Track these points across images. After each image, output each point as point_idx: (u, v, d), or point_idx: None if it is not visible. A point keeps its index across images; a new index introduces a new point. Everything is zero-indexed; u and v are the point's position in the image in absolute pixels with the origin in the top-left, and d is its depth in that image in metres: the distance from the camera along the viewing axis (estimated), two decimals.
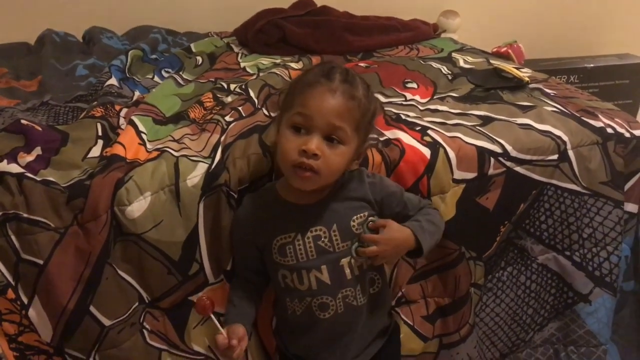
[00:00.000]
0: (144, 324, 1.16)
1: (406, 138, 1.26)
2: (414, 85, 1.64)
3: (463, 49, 2.07)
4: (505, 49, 2.09)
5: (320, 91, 0.99)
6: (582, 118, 1.38)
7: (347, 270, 1.06)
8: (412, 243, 1.07)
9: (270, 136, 1.21)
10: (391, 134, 1.28)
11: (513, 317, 1.39)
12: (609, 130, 1.36)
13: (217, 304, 1.16)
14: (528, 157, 1.29)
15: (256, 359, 1.24)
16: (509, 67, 1.68)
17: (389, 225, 1.06)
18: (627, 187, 1.39)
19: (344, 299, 1.07)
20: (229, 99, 1.51)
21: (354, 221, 1.06)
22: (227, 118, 1.36)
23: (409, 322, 1.29)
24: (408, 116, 1.40)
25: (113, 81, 1.67)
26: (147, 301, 1.16)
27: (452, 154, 1.24)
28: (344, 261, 1.06)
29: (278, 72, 1.73)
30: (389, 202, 1.12)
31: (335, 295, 1.07)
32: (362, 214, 1.08)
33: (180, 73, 1.84)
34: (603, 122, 1.38)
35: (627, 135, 1.37)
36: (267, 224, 1.08)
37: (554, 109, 1.42)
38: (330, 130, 0.98)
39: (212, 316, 1.04)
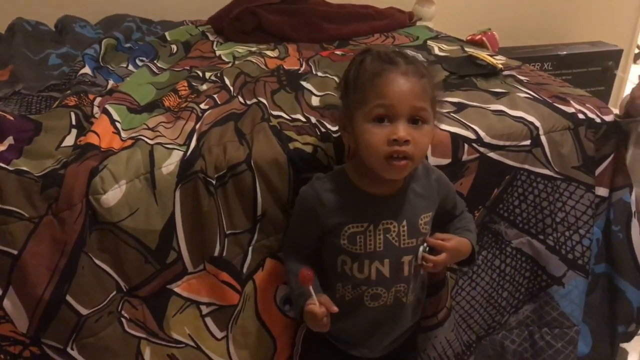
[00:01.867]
0: (122, 312, 1.16)
1: None
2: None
3: (438, 37, 2.08)
4: (479, 36, 2.11)
5: (392, 77, 0.97)
6: (554, 104, 1.40)
7: (406, 268, 1.09)
8: (468, 254, 1.13)
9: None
10: None
11: (489, 300, 1.41)
12: (580, 115, 1.38)
13: (202, 292, 1.19)
14: (501, 142, 1.30)
15: (255, 339, 1.24)
16: (483, 55, 1.70)
17: (452, 237, 1.11)
18: (597, 171, 1.41)
19: (395, 293, 1.10)
20: (204, 87, 1.51)
21: (421, 219, 1.09)
22: (202, 106, 1.35)
23: None
24: None
25: (87, 70, 1.65)
26: (124, 290, 1.15)
27: None
28: (406, 258, 1.08)
29: (254, 60, 1.73)
30: (447, 200, 1.16)
31: (389, 288, 1.09)
32: (428, 214, 1.10)
33: (155, 62, 1.82)
34: (574, 108, 1.40)
35: (598, 120, 1.40)
36: (339, 209, 1.07)
37: (527, 95, 1.44)
38: (413, 113, 0.98)
39: (311, 287, 1.02)
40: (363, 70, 1.01)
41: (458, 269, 1.34)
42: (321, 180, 1.09)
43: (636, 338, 1.62)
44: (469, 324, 1.41)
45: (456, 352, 1.38)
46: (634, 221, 1.47)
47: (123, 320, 1.17)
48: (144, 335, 1.19)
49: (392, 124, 0.97)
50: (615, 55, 2.76)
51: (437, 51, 1.88)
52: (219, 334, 1.21)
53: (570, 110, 1.39)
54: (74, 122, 1.28)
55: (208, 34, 2.15)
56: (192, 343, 1.21)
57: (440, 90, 1.07)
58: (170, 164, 1.14)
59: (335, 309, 1.04)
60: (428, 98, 1.00)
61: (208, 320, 1.21)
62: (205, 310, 1.20)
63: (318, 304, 1.02)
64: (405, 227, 1.07)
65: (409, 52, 1.17)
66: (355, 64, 1.04)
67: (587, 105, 1.43)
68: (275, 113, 1.31)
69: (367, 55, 1.03)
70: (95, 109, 1.37)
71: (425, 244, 1.09)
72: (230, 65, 1.68)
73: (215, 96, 1.40)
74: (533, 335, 1.46)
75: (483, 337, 1.45)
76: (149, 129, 1.27)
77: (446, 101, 1.38)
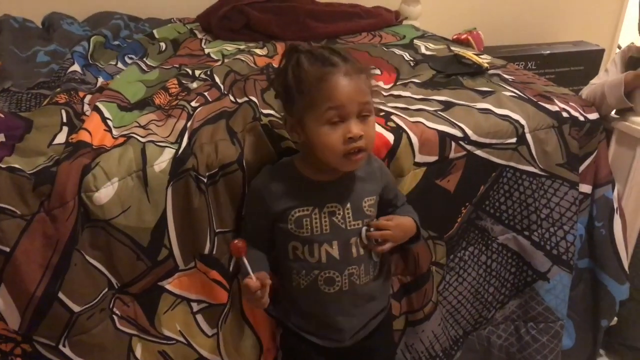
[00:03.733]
0: (114, 309, 1.17)
1: None
2: (378, 71, 1.67)
3: (424, 36, 2.10)
4: (465, 36, 2.14)
5: (336, 80, 1.02)
6: (539, 102, 1.43)
7: (354, 249, 1.13)
8: (413, 231, 1.19)
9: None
10: None
11: (475, 296, 1.43)
12: (565, 114, 1.41)
13: (193, 290, 1.20)
14: (487, 140, 1.33)
15: (242, 338, 1.25)
16: (469, 54, 1.72)
17: (395, 217, 1.17)
18: (581, 168, 1.44)
19: (349, 276, 1.13)
20: (195, 85, 1.51)
21: (365, 202, 1.13)
22: (193, 104, 1.36)
23: None
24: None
25: (76, 67, 1.65)
26: (116, 287, 1.16)
27: (414, 139, 1.27)
28: (353, 240, 1.12)
29: (243, 59, 1.73)
30: (388, 189, 1.20)
31: (342, 271, 1.13)
32: (372, 197, 1.15)
33: (144, 59, 1.82)
34: (559, 107, 1.43)
35: (582, 118, 1.43)
36: (286, 196, 1.11)
37: (512, 94, 1.47)
38: (361, 108, 1.03)
39: (245, 259, 1.05)
40: (304, 74, 1.04)
41: (445, 265, 1.36)
42: (269, 169, 1.15)
43: None
44: (456, 319, 1.44)
45: (443, 346, 1.40)
46: (616, 217, 1.51)
47: (114, 317, 1.17)
48: (135, 332, 1.20)
49: (345, 123, 1.03)
50: (597, 55, 2.80)
51: (423, 50, 1.90)
52: (210, 331, 1.22)
53: (555, 108, 1.42)
54: (64, 120, 1.28)
55: (196, 32, 2.15)
56: (183, 339, 1.22)
57: (373, 78, 1.12)
58: (162, 161, 1.15)
59: (268, 281, 1.08)
60: (369, 91, 1.06)
61: (199, 317, 1.21)
62: (195, 307, 1.21)
63: (254, 279, 1.05)
64: (350, 210, 1.12)
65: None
66: (291, 67, 1.06)
67: (570, 103, 1.46)
68: (265, 112, 1.32)
69: (299, 55, 1.06)
70: (86, 107, 1.37)
71: (367, 226, 1.14)
72: (220, 63, 1.68)
73: (205, 94, 1.40)
74: (519, 330, 1.48)
75: (470, 332, 1.47)
76: (140, 126, 1.27)
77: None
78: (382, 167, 1.21)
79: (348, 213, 1.12)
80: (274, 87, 1.14)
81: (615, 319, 1.64)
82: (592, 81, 1.59)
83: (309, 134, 1.06)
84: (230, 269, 1.20)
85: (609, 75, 1.57)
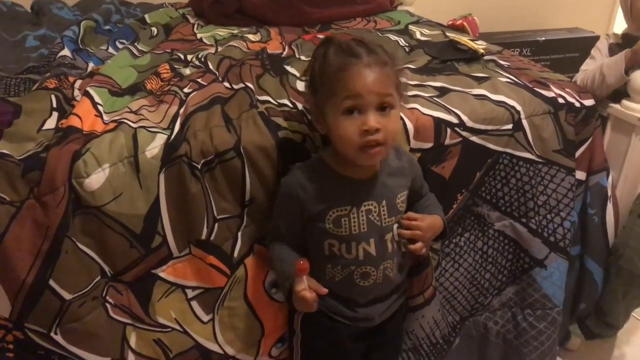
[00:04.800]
0: (107, 297, 1.16)
1: None
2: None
3: (419, 22, 2.08)
4: (460, 21, 2.11)
5: (357, 70, 1.01)
6: (535, 89, 1.42)
7: (389, 245, 1.15)
8: (441, 229, 1.20)
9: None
10: None
11: (472, 282, 1.43)
12: (560, 100, 1.40)
13: (188, 276, 1.20)
14: (483, 127, 1.32)
15: (242, 321, 1.24)
16: (464, 40, 1.71)
17: (424, 215, 1.17)
18: (576, 155, 1.43)
19: (384, 270, 1.15)
20: (187, 70, 1.49)
21: (398, 198, 1.15)
22: (186, 90, 1.34)
23: None
24: None
25: (66, 52, 1.62)
26: (109, 275, 1.15)
27: (410, 125, 1.26)
28: (388, 236, 1.14)
29: (236, 45, 1.71)
30: (416, 181, 1.22)
31: (378, 266, 1.14)
32: (404, 192, 1.17)
33: (136, 44, 1.80)
34: (555, 93, 1.42)
35: (577, 105, 1.42)
36: (323, 195, 1.11)
37: (508, 80, 1.45)
38: (380, 100, 1.02)
39: (305, 277, 1.06)
40: (328, 65, 1.05)
41: (440, 250, 1.35)
42: (301, 169, 1.14)
43: None
44: (453, 305, 1.43)
45: (443, 332, 1.40)
46: (609, 206, 1.50)
47: (108, 305, 1.16)
48: (129, 321, 1.19)
49: (362, 115, 1.02)
50: (592, 42, 2.79)
51: (418, 36, 1.88)
52: (205, 317, 1.22)
53: (551, 94, 1.41)
54: (54, 105, 1.26)
55: (188, 17, 2.12)
56: (178, 327, 1.21)
57: (402, 73, 1.12)
58: (154, 147, 1.13)
59: (324, 290, 1.09)
60: (392, 84, 1.05)
61: (194, 303, 1.21)
62: (190, 293, 1.20)
63: (308, 289, 1.06)
64: (385, 207, 1.13)
65: (372, 37, 1.18)
66: (319, 57, 1.08)
67: (566, 89, 1.45)
68: (262, 98, 1.30)
69: (329, 47, 1.07)
70: (76, 92, 1.35)
71: (398, 223, 1.15)
72: (213, 52, 1.66)
73: (199, 80, 1.39)
74: (516, 317, 1.48)
75: (466, 319, 1.47)
76: (131, 112, 1.25)
77: (410, 84, 1.40)
78: (411, 160, 1.21)
79: (383, 210, 1.13)
80: (306, 80, 1.14)
81: None
82: (582, 68, 1.59)
83: (329, 124, 1.06)
84: (235, 255, 1.19)
85: (596, 61, 1.57)
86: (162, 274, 1.18)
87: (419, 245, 1.15)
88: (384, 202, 1.12)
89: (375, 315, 1.20)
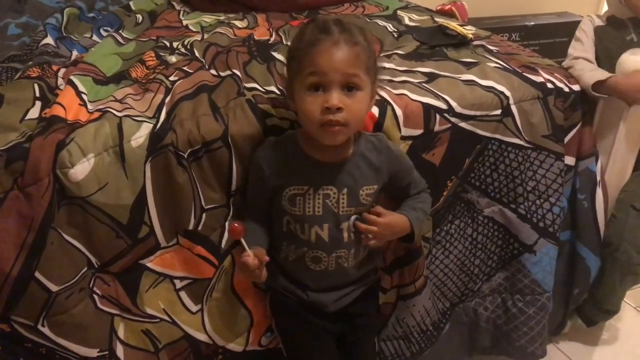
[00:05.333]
0: (94, 289, 1.14)
1: None
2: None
3: (408, 7, 2.07)
4: (449, 6, 2.11)
5: (325, 47, 1.00)
6: (524, 74, 1.41)
7: (345, 234, 1.13)
8: (406, 231, 1.17)
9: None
10: None
11: (461, 268, 1.43)
12: (549, 85, 1.40)
13: (176, 267, 1.19)
14: (472, 112, 1.31)
15: (231, 312, 1.24)
16: (453, 25, 1.70)
17: (390, 213, 1.16)
18: (565, 140, 1.43)
19: (336, 259, 1.15)
20: (173, 58, 1.47)
21: (363, 191, 1.12)
22: (172, 78, 1.32)
23: None
24: None
25: (49, 40, 1.59)
26: (96, 266, 1.13)
27: (399, 111, 1.25)
28: (344, 225, 1.12)
29: (222, 31, 1.69)
30: (400, 177, 1.19)
31: (330, 253, 1.14)
32: (373, 186, 1.13)
33: (120, 32, 1.77)
34: (543, 78, 1.41)
35: (566, 90, 1.41)
36: (284, 170, 1.11)
37: (497, 65, 1.45)
38: (345, 80, 1.01)
39: (243, 240, 1.06)
40: (302, 40, 1.04)
41: (431, 239, 1.35)
42: (272, 142, 1.14)
43: None
44: (443, 292, 1.43)
45: (433, 320, 1.40)
46: (599, 190, 1.51)
47: (95, 296, 1.14)
48: (117, 312, 1.17)
49: (326, 93, 1.01)
50: None
51: (407, 21, 1.87)
52: (194, 308, 1.21)
53: (539, 79, 1.40)
54: (37, 94, 1.24)
55: (174, 3, 2.09)
56: (166, 317, 1.20)
57: (378, 58, 1.11)
58: (139, 136, 1.11)
59: (266, 258, 1.09)
60: (362, 65, 1.03)
61: (182, 294, 1.20)
62: (179, 284, 1.19)
63: (252, 256, 1.06)
64: (345, 195, 1.11)
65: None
66: (297, 34, 1.08)
67: (555, 74, 1.44)
68: (249, 85, 1.28)
69: (309, 24, 1.07)
70: (60, 81, 1.33)
71: (358, 214, 1.13)
72: (199, 39, 1.64)
73: (185, 68, 1.37)
74: (506, 302, 1.49)
75: (456, 305, 1.47)
76: (116, 100, 1.23)
77: (399, 70, 1.41)
78: (394, 155, 1.18)
79: (343, 198, 1.11)
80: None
81: None
82: (570, 51, 1.58)
83: (296, 99, 1.06)
84: (222, 245, 1.19)
85: (584, 44, 1.56)
86: (149, 265, 1.16)
87: (372, 241, 1.14)
88: (345, 190, 1.11)
89: (328, 303, 1.19)
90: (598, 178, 1.51)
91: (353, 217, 1.12)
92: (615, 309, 1.67)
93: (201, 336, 1.23)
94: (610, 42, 1.53)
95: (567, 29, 2.73)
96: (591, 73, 1.44)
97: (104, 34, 1.76)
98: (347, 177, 1.11)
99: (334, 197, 1.11)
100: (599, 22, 1.59)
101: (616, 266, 1.54)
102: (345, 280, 1.20)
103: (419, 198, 1.23)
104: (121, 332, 1.18)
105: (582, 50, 1.55)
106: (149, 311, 1.19)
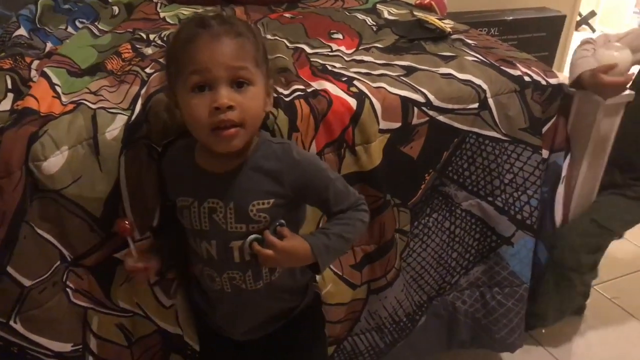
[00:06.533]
0: (68, 283, 1.13)
1: (333, 89, 1.25)
2: (340, 36, 1.63)
3: (387, 1, 2.07)
4: (428, 0, 2.10)
5: (204, 41, 0.90)
6: (501, 67, 1.42)
7: (236, 254, 1.00)
8: (309, 260, 0.99)
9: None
10: (318, 84, 1.27)
11: (439, 261, 1.43)
12: (527, 78, 1.40)
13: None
14: (450, 106, 1.31)
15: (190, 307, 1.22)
16: (431, 19, 1.70)
17: (294, 237, 0.99)
18: (542, 132, 1.44)
19: (230, 280, 1.02)
20: (149, 50, 1.45)
21: (253, 206, 0.96)
22: (148, 70, 1.30)
23: (338, 272, 1.30)
24: (334, 67, 1.39)
25: (22, 32, 1.57)
26: (69, 259, 1.12)
27: (377, 104, 1.24)
28: (235, 244, 0.99)
29: None
30: (309, 194, 1.01)
31: (220, 273, 1.02)
32: (266, 201, 0.97)
33: (96, 23, 1.74)
34: (521, 71, 1.42)
35: (544, 83, 1.42)
36: (176, 180, 1.04)
37: (475, 59, 1.45)
38: (233, 74, 0.90)
39: (130, 240, 1.03)
40: (179, 38, 0.94)
41: (409, 232, 1.35)
42: (176, 146, 1.07)
43: None
44: (420, 285, 1.44)
45: (407, 311, 1.41)
46: (561, 186, 1.51)
47: (69, 290, 1.13)
48: (90, 306, 1.16)
49: (213, 91, 0.90)
50: (558, 22, 2.82)
51: (386, 15, 1.87)
52: (167, 302, 1.20)
53: (517, 73, 1.41)
54: (10, 86, 1.22)
55: None
56: (140, 311, 1.20)
57: (266, 49, 0.99)
58: (114, 129, 1.10)
59: (153, 264, 1.06)
60: (249, 57, 0.92)
61: (156, 288, 1.18)
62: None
63: (135, 257, 1.04)
64: (233, 210, 0.97)
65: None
66: (174, 34, 0.98)
67: (532, 68, 1.45)
68: None
69: (190, 21, 0.96)
70: (33, 73, 1.31)
71: (255, 235, 0.98)
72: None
73: (161, 60, 1.35)
74: (484, 296, 1.49)
75: (434, 298, 1.48)
76: (91, 92, 1.21)
77: (377, 63, 1.38)
78: (300, 166, 0.98)
79: (230, 213, 0.97)
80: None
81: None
82: (584, 47, 1.56)
83: (180, 105, 0.94)
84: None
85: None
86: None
87: (264, 265, 1.01)
88: (231, 204, 0.96)
89: (235, 332, 1.09)
90: (563, 174, 1.51)
91: (252, 237, 0.97)
92: (544, 315, 1.60)
93: (175, 330, 1.22)
94: None
95: (545, 24, 2.76)
96: (580, 61, 1.44)
97: (80, 25, 1.73)
98: (235, 190, 0.96)
99: (220, 211, 0.97)
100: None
101: (552, 266, 1.55)
102: (255, 305, 1.06)
103: (342, 219, 1.01)
104: (95, 325, 1.17)
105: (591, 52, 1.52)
106: (123, 305, 1.18)
